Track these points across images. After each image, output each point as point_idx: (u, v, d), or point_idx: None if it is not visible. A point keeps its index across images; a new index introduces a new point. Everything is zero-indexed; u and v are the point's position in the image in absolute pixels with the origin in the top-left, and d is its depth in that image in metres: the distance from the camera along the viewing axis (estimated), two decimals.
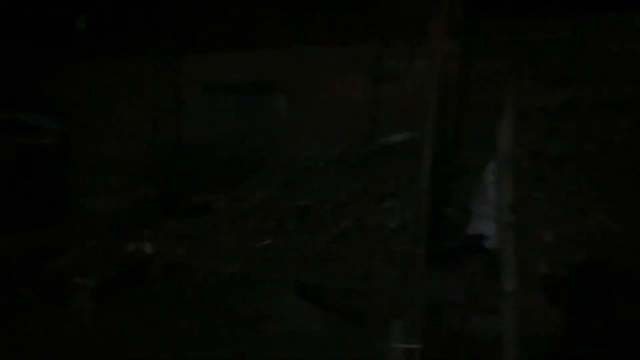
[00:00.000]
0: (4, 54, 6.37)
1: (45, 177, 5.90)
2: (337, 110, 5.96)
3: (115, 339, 4.18)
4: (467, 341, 3.76)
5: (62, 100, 6.23)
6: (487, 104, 4.27)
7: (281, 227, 4.73)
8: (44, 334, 4.17)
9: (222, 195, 5.21)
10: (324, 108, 6.08)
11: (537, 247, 4.14)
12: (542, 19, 5.19)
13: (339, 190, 4.80)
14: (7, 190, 5.54)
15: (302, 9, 5.28)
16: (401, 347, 2.80)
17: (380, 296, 4.02)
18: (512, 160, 2.58)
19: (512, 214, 2.57)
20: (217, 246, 4.86)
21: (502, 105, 2.52)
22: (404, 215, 4.31)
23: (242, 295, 4.54)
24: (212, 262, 4.79)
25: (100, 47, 5.97)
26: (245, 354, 3.86)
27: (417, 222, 3.00)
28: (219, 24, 6.04)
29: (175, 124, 6.56)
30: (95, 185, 5.69)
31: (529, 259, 3.93)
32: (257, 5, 5.40)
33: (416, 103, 4.11)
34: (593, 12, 4.99)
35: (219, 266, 4.74)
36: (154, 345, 4.00)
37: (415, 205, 3.12)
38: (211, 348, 3.96)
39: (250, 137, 6.30)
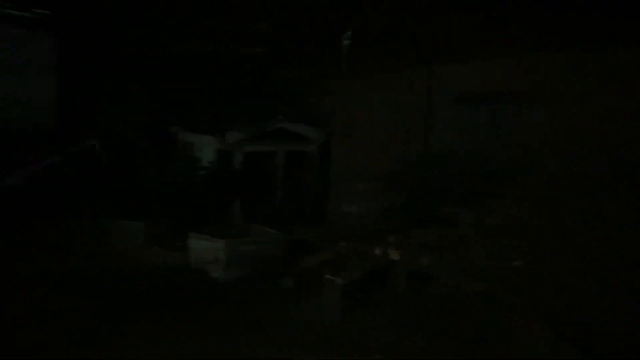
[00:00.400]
0: (276, 73, 7.27)
1: (308, 181, 6.56)
2: (607, 122, 5.29)
3: (358, 336, 4.39)
4: None
5: (325, 112, 6.85)
6: None
7: (535, 249, 4.37)
8: (298, 320, 4.61)
9: (471, 208, 5.06)
10: (590, 119, 5.46)
11: None
12: None
13: (609, 213, 4.23)
14: (277, 191, 6.33)
15: (564, 11, 4.81)
16: None
17: None
18: None
19: None
20: (462, 261, 4.74)
21: None
22: None
23: (484, 315, 4.35)
24: (456, 277, 4.69)
25: (359, 62, 6.40)
26: None
27: None
28: (471, 33, 5.89)
29: (425, 134, 6.64)
30: (350, 191, 6.11)
31: None
32: (510, 12, 5.11)
33: None
34: None
35: (463, 282, 4.61)
36: (390, 349, 4.09)
37: None
38: None
39: (503, 149, 6.00)
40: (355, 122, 6.66)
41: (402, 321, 4.47)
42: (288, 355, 3.99)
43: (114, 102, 7.67)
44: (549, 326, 3.97)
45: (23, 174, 6.58)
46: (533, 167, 5.59)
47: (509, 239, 4.66)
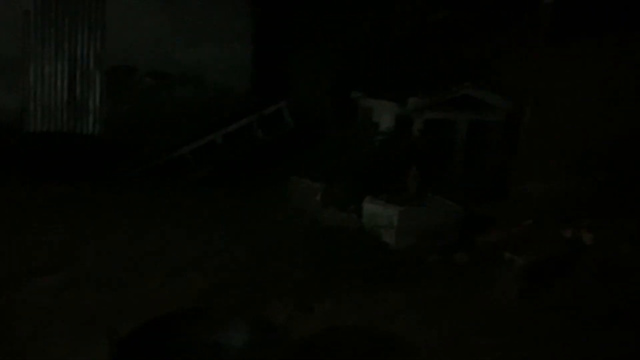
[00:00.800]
0: (462, 37, 6.86)
1: (491, 153, 6.17)
2: None
3: (533, 323, 4.04)
4: None
5: (516, 80, 6.30)
6: None
7: None
8: (470, 298, 4.40)
9: None
10: None
11: None
12: None
13: None
14: (456, 163, 6.07)
15: None
16: None
17: None
18: None
19: None
20: None
21: None
22: None
23: None
24: None
25: (561, 25, 5.72)
26: None
27: None
28: None
29: (636, 110, 5.72)
30: (539, 167, 5.57)
31: None
32: None
33: None
34: None
35: None
36: (566, 344, 3.66)
37: None
38: None
39: None
40: (552, 93, 5.98)
41: (585, 316, 3.97)
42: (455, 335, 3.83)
43: (301, 69, 8.01)
44: None
45: (220, 132, 7.24)
46: None
47: None
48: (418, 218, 5.14)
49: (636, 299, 4.03)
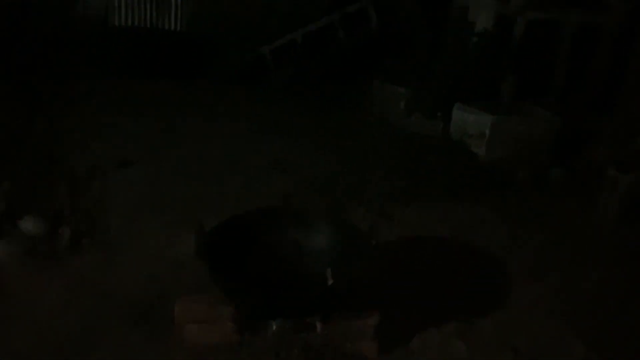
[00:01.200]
0: None
1: (599, 61, 5.51)
2: None
3: (635, 249, 3.73)
4: None
5: None
6: None
7: None
8: (563, 218, 4.12)
9: None
10: None
11: None
12: None
13: None
14: (560, 70, 5.48)
15: None
16: None
17: None
18: None
19: None
20: None
21: None
22: None
23: None
24: None
25: None
26: None
27: None
28: None
29: None
30: None
31: None
32: None
33: None
34: None
35: None
36: None
37: None
38: None
39: None
40: None
41: None
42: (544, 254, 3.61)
43: None
44: None
45: (301, 32, 6.91)
46: None
47: None
48: (512, 129, 4.76)
49: None
